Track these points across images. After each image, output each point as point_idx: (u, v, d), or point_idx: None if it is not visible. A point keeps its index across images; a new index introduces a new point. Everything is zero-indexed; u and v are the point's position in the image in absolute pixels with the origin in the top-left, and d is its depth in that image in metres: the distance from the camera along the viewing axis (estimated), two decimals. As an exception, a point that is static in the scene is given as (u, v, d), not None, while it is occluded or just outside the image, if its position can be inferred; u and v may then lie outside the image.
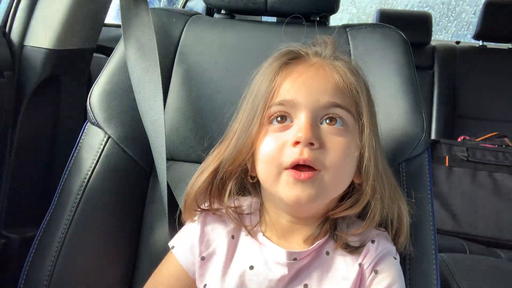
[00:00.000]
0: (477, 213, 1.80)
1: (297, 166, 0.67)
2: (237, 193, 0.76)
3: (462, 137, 2.12)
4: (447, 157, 1.94)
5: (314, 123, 0.68)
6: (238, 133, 0.74)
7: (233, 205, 0.75)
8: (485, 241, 1.73)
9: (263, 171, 0.70)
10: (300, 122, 0.68)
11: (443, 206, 1.84)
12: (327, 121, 0.69)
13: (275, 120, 0.70)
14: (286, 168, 0.67)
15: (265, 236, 0.73)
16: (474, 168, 1.90)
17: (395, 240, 0.75)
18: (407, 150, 0.88)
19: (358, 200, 0.72)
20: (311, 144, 0.66)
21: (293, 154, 0.66)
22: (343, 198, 0.74)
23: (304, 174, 0.66)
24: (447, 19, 5.15)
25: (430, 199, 0.88)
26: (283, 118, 0.70)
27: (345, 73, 0.71)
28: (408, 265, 0.83)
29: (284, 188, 0.67)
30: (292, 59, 0.74)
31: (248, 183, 0.77)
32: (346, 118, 0.70)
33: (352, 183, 0.73)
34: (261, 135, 0.71)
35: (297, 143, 0.66)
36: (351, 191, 0.73)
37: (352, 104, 0.71)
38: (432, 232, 0.86)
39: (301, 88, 0.70)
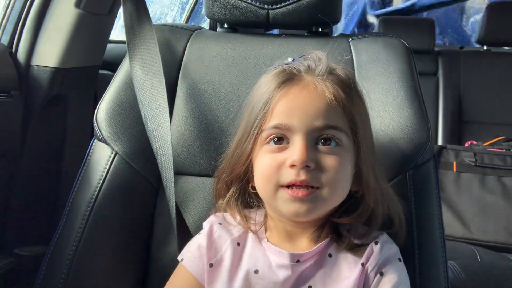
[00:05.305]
0: (487, 218, 1.79)
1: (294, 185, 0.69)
2: (244, 207, 0.80)
3: (469, 142, 2.11)
4: (454, 163, 1.93)
5: (309, 145, 0.70)
6: (233, 148, 0.78)
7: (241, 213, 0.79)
8: (495, 247, 1.71)
9: (261, 187, 0.74)
10: (296, 146, 0.70)
11: (452, 212, 1.83)
12: (322, 141, 0.71)
13: (272, 141, 0.72)
14: (283, 186, 0.70)
15: (269, 242, 0.76)
16: (482, 173, 1.89)
17: (398, 238, 0.78)
18: (413, 158, 0.88)
19: (362, 209, 0.75)
20: (307, 166, 0.68)
21: (290, 175, 0.69)
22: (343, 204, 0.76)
23: (301, 193, 0.69)
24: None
25: (438, 206, 0.88)
26: (280, 140, 0.72)
27: (337, 91, 0.72)
28: (418, 273, 0.82)
29: (282, 204, 0.71)
30: (286, 80, 0.74)
31: (251, 193, 0.80)
32: (340, 137, 0.71)
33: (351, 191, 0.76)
34: (258, 152, 0.74)
35: (293, 165, 0.69)
36: (351, 198, 0.76)
37: (345, 123, 0.72)
38: (441, 239, 0.85)
39: (295, 111, 0.71)
